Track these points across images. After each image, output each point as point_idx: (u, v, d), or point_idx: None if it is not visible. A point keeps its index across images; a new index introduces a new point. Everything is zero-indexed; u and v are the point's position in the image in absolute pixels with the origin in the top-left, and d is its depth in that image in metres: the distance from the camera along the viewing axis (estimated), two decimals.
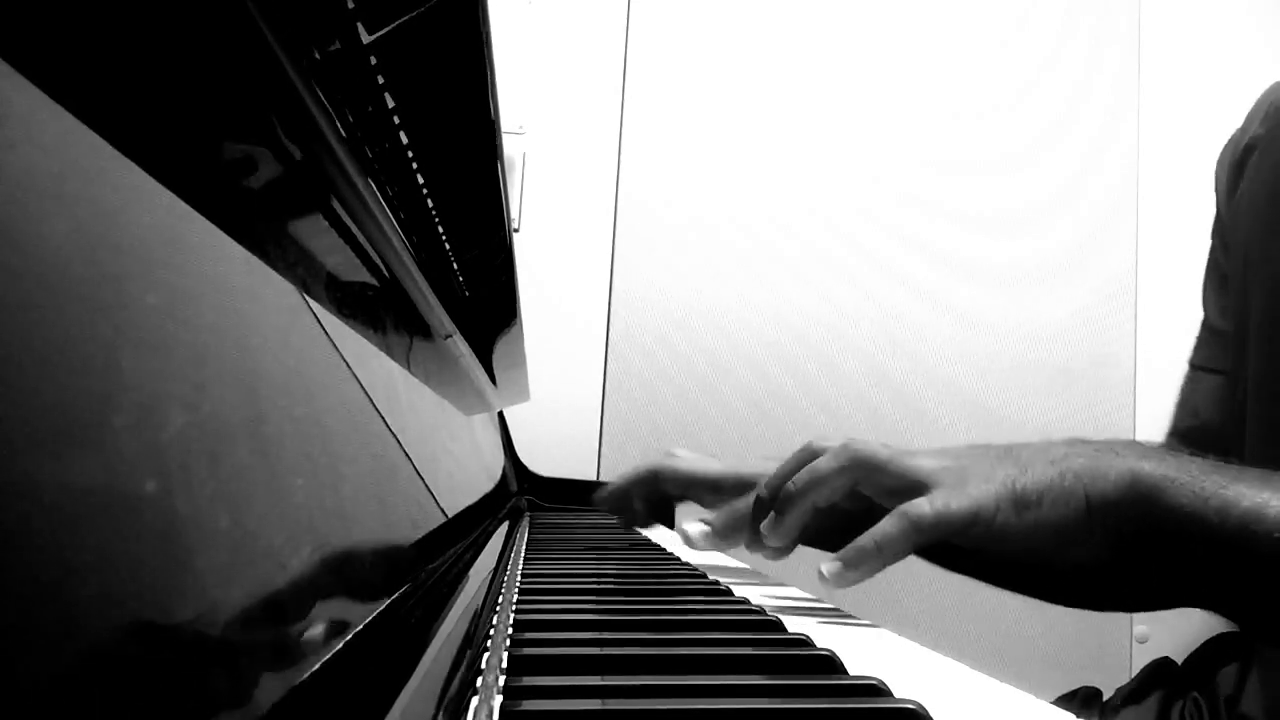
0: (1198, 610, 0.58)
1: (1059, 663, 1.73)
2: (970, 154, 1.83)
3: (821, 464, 0.54)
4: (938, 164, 1.82)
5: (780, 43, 1.80)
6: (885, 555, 0.50)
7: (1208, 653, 0.71)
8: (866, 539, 0.50)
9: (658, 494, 0.75)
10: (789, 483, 0.55)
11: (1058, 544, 0.51)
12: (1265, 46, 1.87)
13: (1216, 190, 0.80)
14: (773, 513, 0.56)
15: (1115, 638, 1.75)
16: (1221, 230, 0.80)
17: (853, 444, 0.54)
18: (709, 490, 0.73)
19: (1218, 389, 0.77)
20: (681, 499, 0.78)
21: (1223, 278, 0.79)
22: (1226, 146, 0.80)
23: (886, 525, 0.50)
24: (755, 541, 0.59)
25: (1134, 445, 0.53)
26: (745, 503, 0.67)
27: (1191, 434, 0.80)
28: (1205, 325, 0.81)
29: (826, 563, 0.51)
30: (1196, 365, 0.81)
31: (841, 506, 0.61)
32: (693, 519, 0.65)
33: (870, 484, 0.54)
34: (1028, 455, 0.53)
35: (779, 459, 0.59)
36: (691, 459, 0.75)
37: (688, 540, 0.64)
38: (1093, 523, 0.50)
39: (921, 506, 0.50)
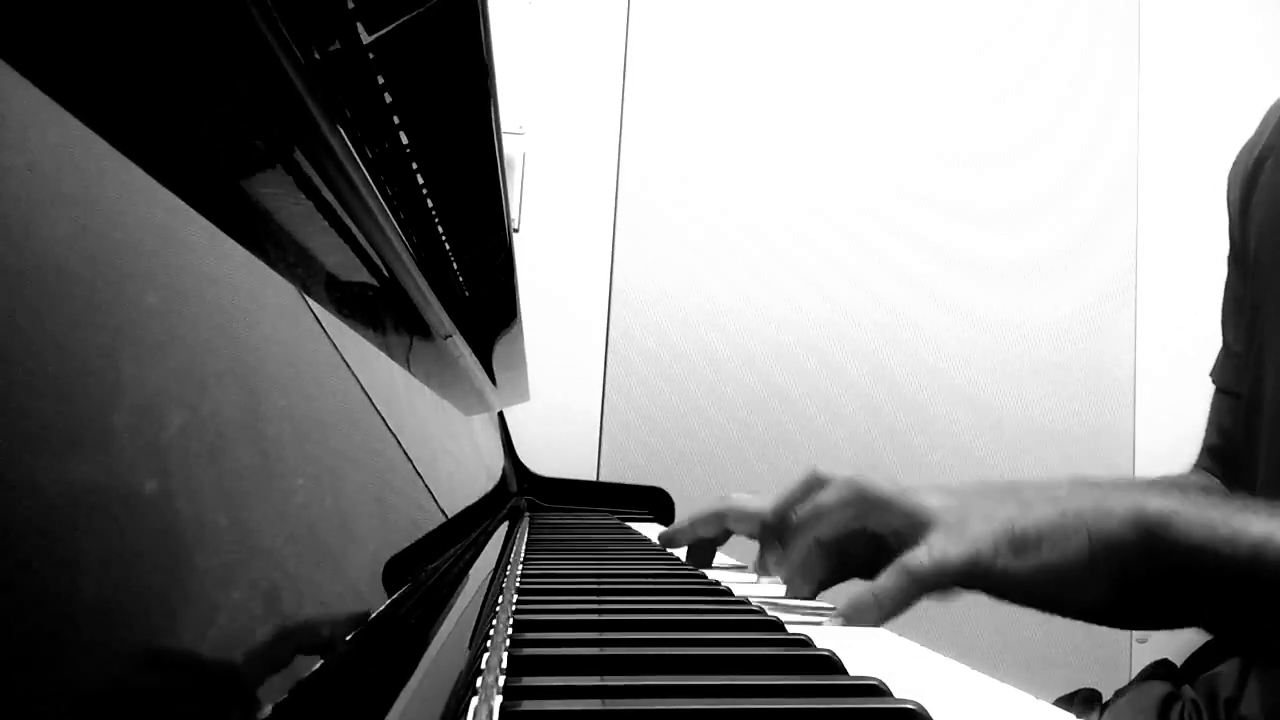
0: None
1: (1059, 663, 1.73)
2: (970, 151, 1.83)
3: (825, 498, 0.54)
4: (938, 161, 1.82)
5: (778, 42, 1.80)
6: (886, 609, 0.49)
7: (1207, 654, 0.71)
8: (866, 594, 0.50)
9: (724, 533, 0.74)
10: (792, 514, 0.55)
11: (1060, 587, 0.50)
12: (1264, 41, 1.87)
13: (1229, 209, 0.78)
14: (778, 544, 0.57)
15: (1115, 638, 1.75)
16: (1235, 255, 0.78)
17: (857, 479, 0.54)
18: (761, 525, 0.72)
19: (1236, 409, 0.77)
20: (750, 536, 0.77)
21: (1239, 301, 0.78)
22: (1237, 160, 0.78)
23: (886, 580, 0.50)
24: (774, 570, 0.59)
25: (1136, 483, 0.53)
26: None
27: (1217, 450, 0.80)
28: (1225, 347, 0.81)
29: (827, 621, 0.50)
30: (1218, 386, 0.81)
31: (847, 547, 0.60)
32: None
33: (874, 520, 0.54)
34: (1030, 494, 0.52)
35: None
36: (750, 498, 0.74)
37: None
38: (1096, 563, 0.50)
39: (919, 558, 0.49)
